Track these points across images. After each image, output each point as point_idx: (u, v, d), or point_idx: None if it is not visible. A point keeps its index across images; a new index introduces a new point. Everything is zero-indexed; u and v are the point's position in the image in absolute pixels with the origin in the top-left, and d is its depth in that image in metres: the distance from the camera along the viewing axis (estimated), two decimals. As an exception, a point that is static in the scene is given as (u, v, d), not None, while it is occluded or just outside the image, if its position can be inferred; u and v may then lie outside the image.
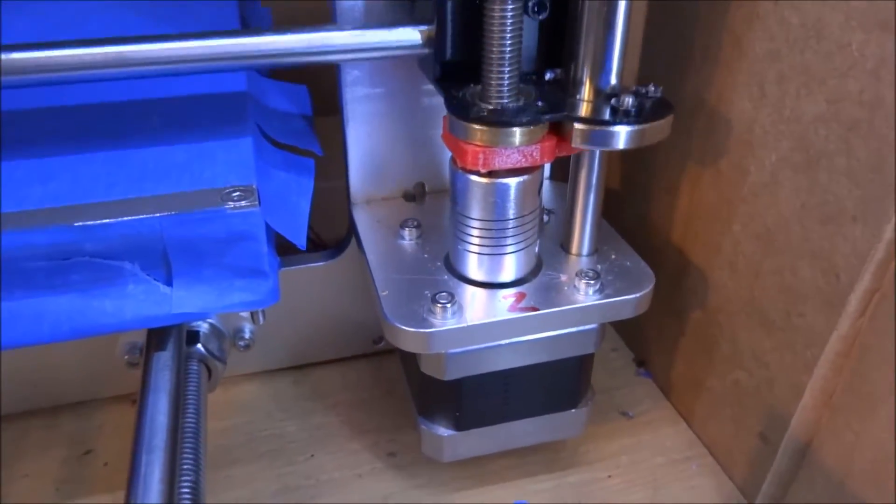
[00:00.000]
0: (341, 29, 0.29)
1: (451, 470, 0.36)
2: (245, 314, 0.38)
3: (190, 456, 0.28)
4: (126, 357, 0.37)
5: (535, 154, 0.28)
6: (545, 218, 0.36)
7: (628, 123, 0.27)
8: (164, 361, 0.29)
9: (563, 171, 0.33)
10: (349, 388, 0.42)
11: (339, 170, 0.37)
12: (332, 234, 0.44)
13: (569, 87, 0.29)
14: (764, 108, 0.30)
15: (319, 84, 0.41)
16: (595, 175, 0.31)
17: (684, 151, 0.35)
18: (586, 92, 0.28)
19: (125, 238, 0.26)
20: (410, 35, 0.29)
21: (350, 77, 0.34)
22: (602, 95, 0.28)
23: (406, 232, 0.34)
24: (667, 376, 0.41)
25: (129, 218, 0.25)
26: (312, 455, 0.37)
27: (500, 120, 0.26)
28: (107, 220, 0.25)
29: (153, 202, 0.26)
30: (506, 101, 0.27)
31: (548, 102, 0.28)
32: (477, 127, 0.27)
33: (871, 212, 0.25)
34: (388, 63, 0.34)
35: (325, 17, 0.33)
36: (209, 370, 0.36)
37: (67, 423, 0.39)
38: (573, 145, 0.28)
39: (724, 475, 0.36)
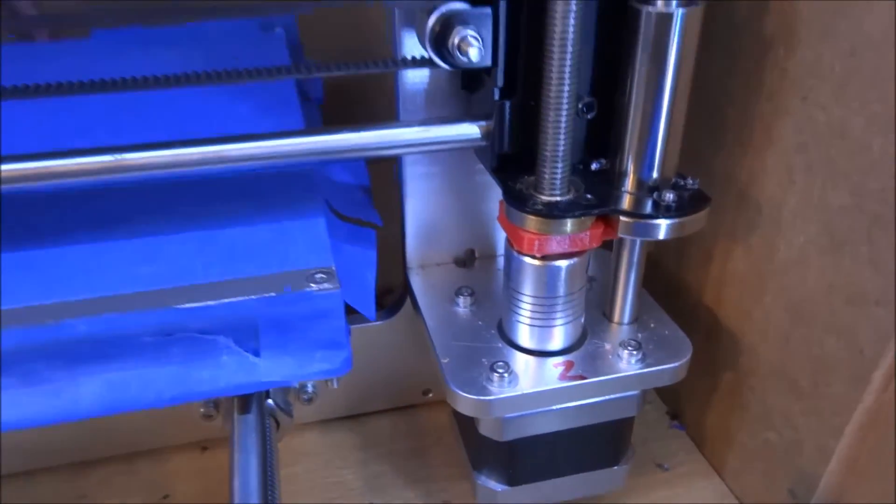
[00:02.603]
0: (409, 125, 0.32)
1: (500, 519, 0.39)
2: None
3: (270, 508, 0.31)
4: (202, 410, 0.41)
5: (584, 240, 0.31)
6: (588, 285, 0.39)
7: (669, 217, 0.30)
8: (250, 424, 0.32)
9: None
10: (401, 437, 0.45)
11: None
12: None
13: (614, 179, 0.32)
14: (792, 194, 0.33)
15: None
16: (637, 254, 0.34)
17: (716, 223, 0.38)
18: (630, 184, 0.32)
19: (222, 316, 0.29)
20: (470, 130, 0.33)
21: (411, 158, 0.37)
22: (644, 188, 0.31)
23: (461, 300, 0.37)
24: (700, 430, 0.43)
25: (231, 300, 0.29)
26: (371, 503, 0.40)
27: (554, 213, 0.30)
28: (211, 303, 0.29)
29: (248, 284, 0.30)
30: (558, 193, 0.30)
31: (595, 195, 0.31)
32: (533, 218, 0.30)
33: (892, 298, 0.28)
34: (446, 147, 0.37)
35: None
36: (277, 423, 0.39)
37: (144, 469, 0.42)
38: (618, 234, 0.31)
39: (757, 527, 0.39)
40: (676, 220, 0.30)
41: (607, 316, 0.36)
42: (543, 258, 0.31)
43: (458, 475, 0.42)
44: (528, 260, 0.32)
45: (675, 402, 0.46)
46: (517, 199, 0.31)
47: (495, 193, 0.39)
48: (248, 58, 0.50)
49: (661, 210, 0.30)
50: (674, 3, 0.27)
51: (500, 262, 0.41)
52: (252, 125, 0.41)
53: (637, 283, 0.35)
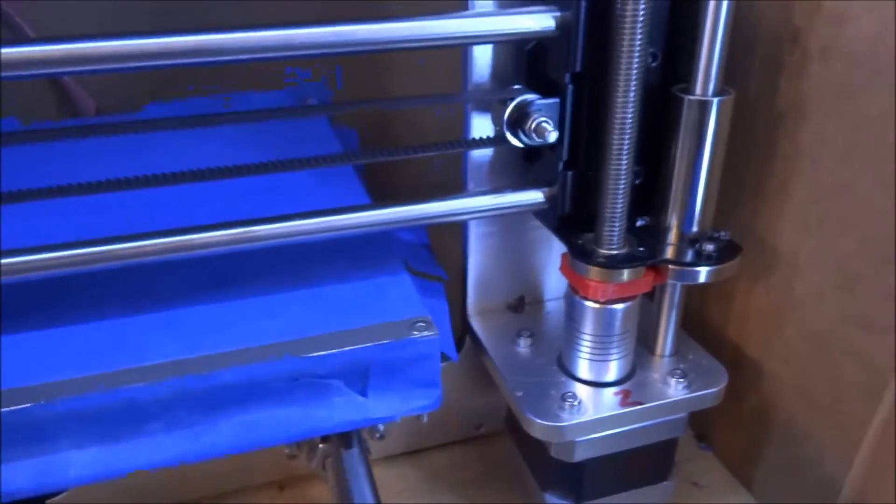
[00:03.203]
0: (483, 194, 0.38)
1: (560, 536, 0.44)
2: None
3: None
4: (286, 451, 0.45)
5: (638, 285, 0.36)
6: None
7: (708, 265, 0.36)
8: (355, 457, 0.37)
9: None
10: (459, 469, 0.49)
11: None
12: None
13: (659, 233, 0.38)
14: (807, 241, 0.39)
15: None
16: (677, 295, 0.40)
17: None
18: (673, 237, 0.37)
19: (339, 362, 0.34)
20: (535, 196, 0.38)
21: (476, 221, 0.43)
22: (686, 240, 0.37)
23: (521, 340, 0.43)
24: (729, 450, 0.49)
25: (350, 348, 0.34)
26: (444, 525, 0.45)
27: (615, 265, 0.35)
28: (334, 351, 0.33)
29: (361, 334, 0.34)
30: (616, 248, 0.36)
31: (646, 247, 0.36)
32: (597, 269, 0.36)
33: (899, 326, 0.34)
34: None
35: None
36: (357, 459, 0.43)
37: (231, 508, 0.46)
38: (667, 280, 0.37)
39: (787, 534, 0.44)
40: (715, 268, 0.36)
41: (650, 350, 0.42)
42: (604, 302, 0.37)
43: (517, 498, 0.46)
44: (589, 304, 0.37)
45: (701, 425, 0.51)
46: (581, 254, 0.36)
47: (541, 247, 0.45)
48: (294, 131, 0.55)
49: (702, 259, 0.36)
50: (710, 93, 0.34)
51: (547, 305, 0.47)
52: (316, 192, 0.46)
53: (677, 321, 0.41)
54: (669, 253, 0.37)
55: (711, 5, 0.32)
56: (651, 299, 0.42)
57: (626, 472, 0.40)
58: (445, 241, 0.48)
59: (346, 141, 0.62)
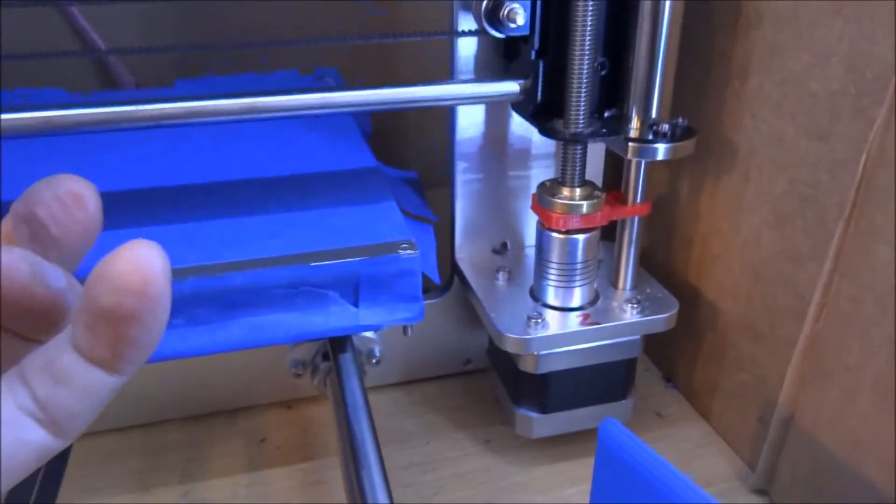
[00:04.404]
0: (465, 82, 0.44)
1: (532, 450, 0.49)
2: (377, 339, 0.52)
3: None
4: (292, 370, 0.51)
5: (595, 218, 0.42)
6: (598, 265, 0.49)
7: (666, 142, 0.40)
8: (349, 359, 0.42)
9: (608, 234, 0.47)
10: (448, 397, 0.55)
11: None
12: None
13: (623, 120, 0.42)
14: (749, 187, 0.44)
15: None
16: (634, 234, 0.45)
17: (695, 218, 0.49)
18: (635, 122, 0.41)
19: (334, 274, 0.40)
20: (512, 87, 0.42)
21: (461, 168, 0.49)
22: (646, 125, 0.41)
23: (500, 275, 0.48)
24: (689, 385, 0.54)
25: (342, 261, 0.40)
26: (429, 442, 0.50)
27: (574, 201, 0.41)
28: (328, 262, 0.40)
29: (353, 251, 0.40)
30: (582, 126, 0.40)
31: (608, 129, 0.41)
32: (559, 202, 0.41)
33: (818, 254, 0.39)
34: (488, 157, 0.48)
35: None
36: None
37: (243, 421, 0.52)
38: (627, 157, 0.41)
39: (735, 455, 0.49)
40: (671, 145, 0.40)
41: (613, 285, 0.47)
42: (566, 232, 0.42)
43: (495, 423, 0.52)
44: (554, 235, 0.43)
45: (668, 366, 0.57)
46: (552, 133, 0.41)
47: (523, 196, 0.51)
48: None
49: (659, 136, 0.40)
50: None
51: (528, 251, 0.52)
52: (323, 152, 0.53)
53: (636, 256, 0.46)
54: (632, 134, 0.41)
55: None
56: (613, 242, 0.47)
57: (586, 388, 0.46)
58: (437, 195, 0.54)
59: (360, 120, 0.68)
